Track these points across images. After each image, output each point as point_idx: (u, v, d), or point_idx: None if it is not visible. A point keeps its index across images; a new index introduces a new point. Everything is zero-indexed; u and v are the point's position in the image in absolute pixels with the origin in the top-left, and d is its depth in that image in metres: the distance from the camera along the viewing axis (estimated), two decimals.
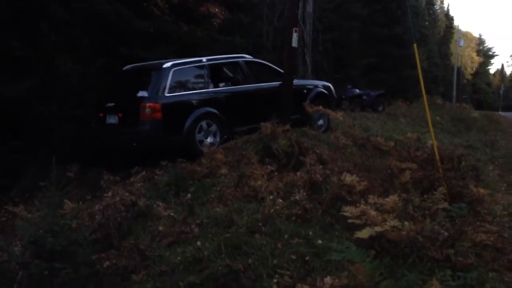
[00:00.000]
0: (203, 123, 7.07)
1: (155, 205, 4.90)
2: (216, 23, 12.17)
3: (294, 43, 8.18)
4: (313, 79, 13.01)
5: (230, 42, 11.95)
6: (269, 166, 5.77)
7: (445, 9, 62.35)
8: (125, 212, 4.70)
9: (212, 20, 12.03)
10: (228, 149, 6.87)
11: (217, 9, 12.28)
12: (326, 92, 9.34)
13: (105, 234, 4.33)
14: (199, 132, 7.01)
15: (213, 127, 7.20)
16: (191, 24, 11.06)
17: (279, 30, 18.47)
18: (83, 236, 3.98)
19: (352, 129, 8.45)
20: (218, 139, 7.20)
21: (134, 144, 6.64)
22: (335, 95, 9.93)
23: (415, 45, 6.13)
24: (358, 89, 19.62)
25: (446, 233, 3.78)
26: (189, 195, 5.28)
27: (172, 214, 4.71)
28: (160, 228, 4.41)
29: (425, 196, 4.68)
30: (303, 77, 14.91)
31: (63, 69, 7.98)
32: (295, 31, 8.13)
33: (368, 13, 23.85)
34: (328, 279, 3.17)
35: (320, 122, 8.98)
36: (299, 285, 3.22)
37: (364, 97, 18.67)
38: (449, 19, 58.87)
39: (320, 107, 8.16)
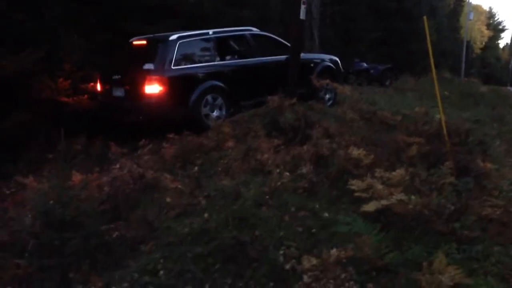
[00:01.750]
0: (209, 97, 7.06)
1: (162, 178, 4.92)
2: None
3: (302, 16, 8.09)
4: (320, 52, 12.85)
5: (237, 15, 11.83)
6: (276, 140, 5.78)
7: None
8: (133, 184, 4.72)
9: None
10: (235, 122, 6.87)
11: None
12: (333, 66, 9.29)
13: (113, 205, 4.36)
14: (205, 105, 7.00)
15: (219, 101, 7.18)
16: None
17: (287, 2, 18.22)
18: (92, 207, 4.03)
19: (359, 103, 8.42)
20: (224, 113, 7.20)
21: (140, 117, 6.65)
22: (342, 69, 9.87)
23: (425, 18, 6.03)
24: (366, 63, 19.44)
25: (452, 207, 3.80)
26: (196, 168, 5.30)
27: (179, 186, 4.73)
28: (168, 200, 4.44)
29: (432, 170, 4.68)
30: (310, 51, 14.75)
31: (68, 42, 7.95)
32: (303, 3, 8.03)
33: None
34: (334, 251, 3.19)
35: (327, 96, 8.96)
36: (305, 256, 3.25)
37: (371, 71, 18.54)
38: None
39: (327, 81, 8.13)
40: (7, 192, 5.89)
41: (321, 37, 19.53)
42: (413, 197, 3.82)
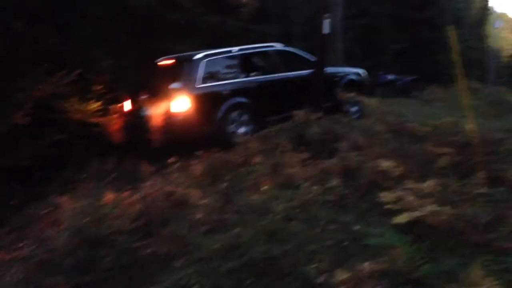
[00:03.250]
0: (235, 114, 7.13)
1: (192, 194, 4.98)
2: (246, 13, 12.17)
3: (325, 30, 8.14)
4: (346, 66, 12.79)
5: (261, 30, 11.96)
6: (303, 154, 5.79)
7: None
8: (163, 201, 4.81)
9: (242, 9, 12.03)
10: (262, 138, 6.90)
11: None
12: (358, 78, 9.28)
13: (145, 222, 4.44)
14: (231, 122, 7.06)
15: (245, 117, 7.25)
16: (221, 15, 11.10)
17: (309, 17, 18.33)
18: (124, 225, 4.11)
19: (386, 115, 8.34)
20: (250, 129, 7.25)
21: (168, 136, 6.71)
22: (368, 81, 9.83)
23: (450, 28, 5.98)
24: (391, 75, 19.27)
25: (487, 218, 3.72)
26: (225, 184, 5.34)
27: (209, 202, 4.78)
28: (198, 216, 4.49)
29: (464, 181, 4.60)
30: (334, 64, 14.77)
31: (98, 63, 8.17)
32: (326, 18, 8.07)
33: None
34: (366, 264, 3.17)
35: (354, 109, 8.89)
36: (338, 270, 3.23)
37: (397, 83, 18.34)
38: (484, 0, 56.98)
39: (352, 94, 8.12)
40: (43, 212, 6.05)
41: (344, 50, 19.52)
42: (445, 208, 3.76)
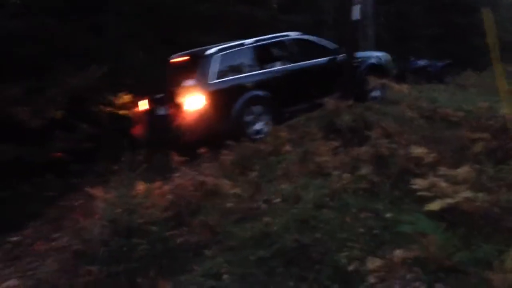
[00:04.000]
0: (252, 108, 6.99)
1: (222, 184, 5.00)
2: (275, 2, 12.09)
3: (355, 16, 8.00)
4: (368, 50, 12.39)
5: (290, 20, 11.87)
6: (333, 142, 5.73)
7: None
8: (194, 191, 4.85)
9: None
10: (291, 126, 6.88)
11: None
12: (380, 62, 8.96)
13: (176, 212, 4.49)
14: (249, 116, 6.94)
15: (263, 110, 7.10)
16: (250, 5, 11.07)
17: (339, 4, 18.07)
18: (156, 214, 4.17)
19: (418, 101, 8.18)
20: (269, 122, 7.10)
21: (185, 135, 6.59)
22: (391, 65, 9.45)
23: (485, 11, 5.78)
24: (423, 60, 18.85)
25: None
26: (255, 173, 5.35)
27: (239, 191, 4.80)
28: (229, 205, 4.51)
29: (500, 166, 4.46)
30: (364, 51, 14.52)
31: (129, 57, 8.29)
32: (356, 3, 7.92)
33: None
34: (398, 252, 3.12)
35: (375, 93, 8.57)
36: (369, 257, 3.20)
37: (430, 69, 17.92)
38: None
39: (373, 78, 7.94)
40: (77, 203, 6.22)
41: (375, 37, 19.18)
42: (480, 194, 3.65)
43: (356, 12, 7.95)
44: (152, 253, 3.83)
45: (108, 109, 8.10)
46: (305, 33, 8.69)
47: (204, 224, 4.22)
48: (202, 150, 6.21)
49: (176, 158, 6.04)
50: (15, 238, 5.58)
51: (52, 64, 7.38)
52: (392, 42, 20.42)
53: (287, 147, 5.99)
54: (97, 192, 4.80)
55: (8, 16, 7.02)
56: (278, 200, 4.49)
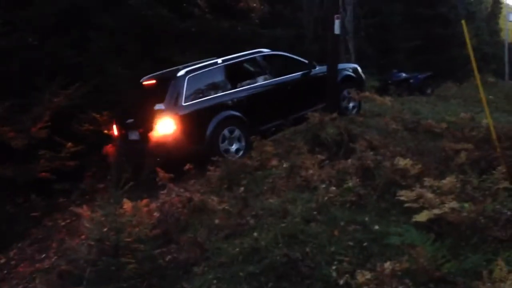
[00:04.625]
0: (226, 131, 6.80)
1: (209, 200, 4.98)
2: (257, 17, 12.19)
3: (337, 30, 8.09)
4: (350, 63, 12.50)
5: (271, 35, 11.97)
6: (319, 155, 5.75)
7: None
8: (181, 207, 4.83)
9: (252, 14, 12.06)
10: (277, 141, 6.90)
11: (255, 4, 12.30)
12: (353, 74, 8.93)
13: (164, 230, 4.46)
14: (223, 140, 6.78)
15: (237, 132, 6.92)
16: (231, 21, 11.14)
17: (320, 19, 18.32)
18: (144, 232, 4.13)
19: (401, 113, 8.29)
20: (243, 143, 6.94)
21: (158, 159, 6.39)
22: (363, 77, 9.44)
23: (463, 22, 5.91)
24: (405, 72, 19.14)
25: (508, 213, 3.66)
26: (242, 188, 5.34)
27: (227, 207, 4.78)
28: (217, 221, 4.49)
29: (484, 176, 4.53)
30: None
31: (113, 74, 8.27)
32: (337, 18, 8.03)
33: None
34: (388, 264, 3.13)
35: (351, 104, 8.60)
36: (359, 271, 3.20)
37: (411, 81, 18.19)
38: None
39: (348, 90, 8.14)
40: (63, 223, 6.14)
41: (357, 50, 19.47)
42: (466, 204, 3.71)
43: (336, 26, 8.04)
44: (141, 272, 3.79)
45: (92, 127, 8.03)
46: (274, 49, 8.64)
47: (193, 241, 4.19)
48: (188, 166, 6.19)
49: (162, 175, 6.01)
50: None
51: (35, 82, 7.32)
52: (374, 55, 20.74)
53: (274, 162, 6.01)
54: (83, 211, 4.73)
55: None
56: (266, 214, 4.49)
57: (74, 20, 8.22)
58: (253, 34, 11.34)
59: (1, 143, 6.45)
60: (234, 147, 6.87)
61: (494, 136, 5.35)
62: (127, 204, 4.80)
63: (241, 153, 6.81)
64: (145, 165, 6.55)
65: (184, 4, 10.94)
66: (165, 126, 6.41)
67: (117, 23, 8.95)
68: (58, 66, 7.66)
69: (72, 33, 8.12)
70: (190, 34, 10.24)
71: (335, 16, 8.05)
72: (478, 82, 5.95)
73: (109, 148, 7.45)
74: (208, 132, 6.66)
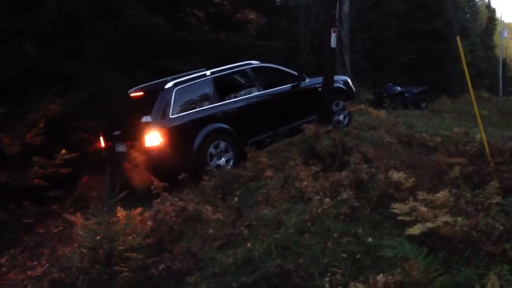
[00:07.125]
0: (211, 148, 6.73)
1: (203, 209, 4.98)
2: (253, 29, 12.28)
3: (333, 44, 8.15)
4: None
5: (268, 46, 12.05)
6: (314, 167, 5.77)
7: (486, 0, 60.48)
8: (175, 217, 4.82)
9: (249, 26, 12.16)
10: (271, 152, 6.91)
11: (253, 15, 12.41)
12: (343, 86, 8.87)
13: (158, 239, 4.46)
14: (211, 158, 6.70)
15: (224, 145, 6.85)
16: (228, 32, 11.22)
17: (316, 32, 18.48)
18: (137, 241, 4.11)
19: (395, 126, 8.34)
20: (231, 152, 6.88)
21: (145, 172, 6.26)
22: (353, 89, 9.37)
23: (458, 38, 5.98)
24: (400, 86, 19.30)
25: (501, 227, 3.68)
26: (236, 199, 5.33)
27: (221, 217, 4.78)
28: (210, 231, 4.49)
29: (477, 191, 4.56)
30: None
31: (109, 83, 8.27)
32: (334, 32, 8.09)
33: (407, 9, 23.52)
34: (381, 277, 3.13)
35: (341, 116, 8.60)
36: (352, 283, 3.20)
37: (406, 95, 18.34)
38: (491, 11, 57.02)
39: (338, 102, 8.18)
40: (55, 230, 6.10)
41: (352, 64, 19.61)
42: (459, 218, 3.73)
43: (333, 40, 8.11)
44: (134, 281, 3.77)
45: (86, 135, 8.02)
46: (270, 60, 8.68)
47: (186, 251, 4.18)
48: (182, 176, 6.17)
49: (157, 184, 6.00)
50: None
51: (31, 90, 7.32)
52: (370, 68, 20.89)
53: (268, 173, 6.02)
54: (76, 218, 4.71)
55: None
56: (260, 225, 4.49)
57: (70, 29, 8.22)
58: (249, 45, 11.41)
59: None
60: (223, 160, 6.80)
61: (487, 151, 5.41)
62: (121, 213, 4.78)
63: (231, 162, 6.76)
64: (132, 178, 6.41)
65: (181, 15, 11.01)
66: (152, 139, 6.33)
67: (113, 32, 8.97)
68: (54, 74, 7.65)
69: (69, 41, 8.13)
70: (187, 44, 10.29)
71: (332, 29, 8.11)
72: (472, 97, 6.02)
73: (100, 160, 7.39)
74: (195, 145, 6.58)
